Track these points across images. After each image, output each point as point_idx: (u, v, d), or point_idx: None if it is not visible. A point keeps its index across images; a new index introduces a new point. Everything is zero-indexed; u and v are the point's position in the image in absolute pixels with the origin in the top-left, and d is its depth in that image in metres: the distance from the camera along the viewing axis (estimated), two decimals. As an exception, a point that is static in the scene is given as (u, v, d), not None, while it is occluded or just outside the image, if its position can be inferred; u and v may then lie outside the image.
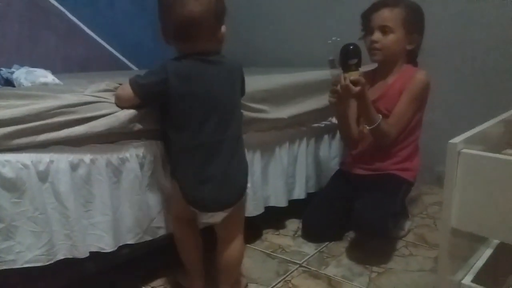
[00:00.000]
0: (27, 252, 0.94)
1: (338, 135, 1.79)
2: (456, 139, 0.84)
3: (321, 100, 1.60)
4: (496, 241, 1.06)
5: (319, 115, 1.69)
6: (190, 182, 1.07)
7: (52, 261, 0.98)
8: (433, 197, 1.93)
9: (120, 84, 1.15)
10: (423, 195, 1.95)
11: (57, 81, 1.44)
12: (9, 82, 1.42)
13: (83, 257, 1.03)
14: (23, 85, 1.36)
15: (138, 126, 1.10)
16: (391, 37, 1.46)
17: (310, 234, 1.56)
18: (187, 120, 1.06)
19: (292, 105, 1.54)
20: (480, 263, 0.99)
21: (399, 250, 1.45)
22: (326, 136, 1.75)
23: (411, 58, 1.56)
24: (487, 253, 1.03)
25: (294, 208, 1.61)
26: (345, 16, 2.04)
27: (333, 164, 1.78)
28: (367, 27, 1.53)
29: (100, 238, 1.06)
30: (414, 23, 1.49)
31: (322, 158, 1.74)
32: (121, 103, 1.08)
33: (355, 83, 1.32)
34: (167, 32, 1.07)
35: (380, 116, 1.41)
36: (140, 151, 1.12)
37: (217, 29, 1.08)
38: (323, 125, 1.72)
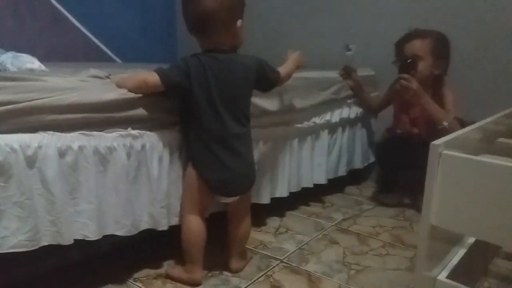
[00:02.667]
0: (12, 237, 0.94)
1: (321, 136, 1.83)
2: (438, 141, 0.88)
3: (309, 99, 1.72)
4: (470, 241, 1.11)
5: (304, 115, 1.72)
6: (216, 171, 1.19)
7: (36, 247, 0.98)
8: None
9: (109, 75, 1.19)
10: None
11: (43, 67, 1.42)
12: (-6, 67, 1.40)
13: (67, 244, 1.03)
14: (9, 70, 1.34)
15: (129, 111, 1.13)
16: (421, 64, 1.74)
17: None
18: (209, 113, 1.15)
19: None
20: (455, 260, 1.03)
21: (377, 250, 1.49)
22: (309, 138, 1.77)
23: (438, 80, 1.80)
24: (461, 251, 1.08)
25: (276, 206, 1.63)
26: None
27: (315, 166, 1.81)
28: (400, 54, 1.81)
29: (85, 226, 1.06)
30: (441, 51, 1.76)
31: (304, 158, 1.77)
32: (147, 88, 1.12)
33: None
34: (187, 26, 1.17)
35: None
36: (128, 141, 1.12)
37: (231, 24, 1.16)
38: (306, 126, 1.74)
